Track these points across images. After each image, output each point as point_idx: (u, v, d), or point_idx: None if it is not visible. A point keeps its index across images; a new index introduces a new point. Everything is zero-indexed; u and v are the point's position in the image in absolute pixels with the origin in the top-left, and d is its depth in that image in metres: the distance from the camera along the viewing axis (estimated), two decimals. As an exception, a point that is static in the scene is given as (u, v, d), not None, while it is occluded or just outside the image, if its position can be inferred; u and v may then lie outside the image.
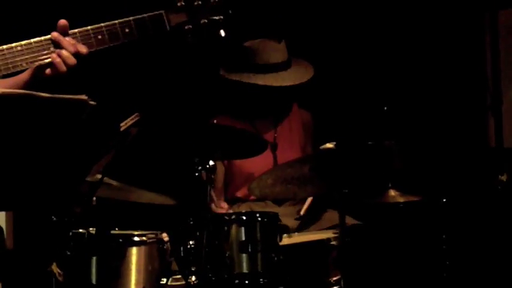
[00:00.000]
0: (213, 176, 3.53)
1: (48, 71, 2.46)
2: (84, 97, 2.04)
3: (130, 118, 2.71)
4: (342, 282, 3.50)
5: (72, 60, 2.44)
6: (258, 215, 3.55)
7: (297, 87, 4.30)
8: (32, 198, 2.21)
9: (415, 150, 4.01)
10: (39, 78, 2.48)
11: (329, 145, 3.56)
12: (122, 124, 2.63)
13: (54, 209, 3.25)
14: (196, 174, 3.50)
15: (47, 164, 2.10)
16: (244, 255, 3.44)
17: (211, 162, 3.49)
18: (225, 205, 4.19)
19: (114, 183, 3.46)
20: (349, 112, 4.73)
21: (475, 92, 4.87)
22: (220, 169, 4.34)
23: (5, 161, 2.02)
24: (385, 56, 4.82)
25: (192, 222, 3.46)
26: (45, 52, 2.45)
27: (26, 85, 2.50)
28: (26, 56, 2.44)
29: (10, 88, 2.45)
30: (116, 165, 2.88)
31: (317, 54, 4.57)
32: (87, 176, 2.96)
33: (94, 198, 3.28)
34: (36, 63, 2.46)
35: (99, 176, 3.14)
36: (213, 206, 3.99)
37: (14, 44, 2.44)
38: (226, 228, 3.46)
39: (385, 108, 3.96)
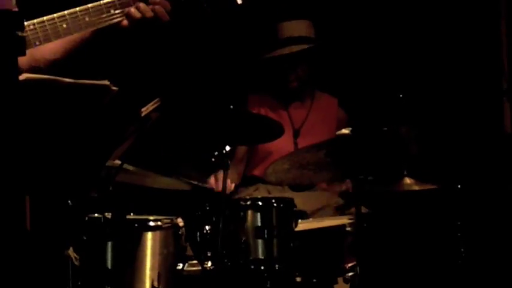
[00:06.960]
0: (229, 162, 3.53)
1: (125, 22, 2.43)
2: (106, 82, 2.03)
3: (152, 103, 2.69)
4: (358, 268, 3.50)
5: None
6: (273, 200, 3.55)
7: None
8: (53, 183, 2.20)
9: (430, 136, 3.99)
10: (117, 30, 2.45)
11: (345, 131, 3.55)
12: (142, 109, 2.61)
13: (72, 194, 3.25)
14: (213, 159, 3.49)
15: (68, 149, 2.10)
16: (260, 240, 3.44)
17: (227, 148, 3.49)
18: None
19: (131, 168, 3.45)
20: (365, 98, 4.71)
21: (491, 77, 4.84)
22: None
23: (26, 145, 2.01)
24: (401, 42, 4.80)
25: (208, 208, 3.45)
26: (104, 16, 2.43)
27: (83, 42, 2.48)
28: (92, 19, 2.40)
29: (66, 44, 2.47)
30: (136, 150, 2.87)
31: (334, 40, 4.56)
32: (107, 161, 2.95)
33: (109, 183, 3.27)
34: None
35: (118, 162, 3.13)
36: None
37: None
38: (242, 213, 3.46)
39: (401, 95, 3.94)
